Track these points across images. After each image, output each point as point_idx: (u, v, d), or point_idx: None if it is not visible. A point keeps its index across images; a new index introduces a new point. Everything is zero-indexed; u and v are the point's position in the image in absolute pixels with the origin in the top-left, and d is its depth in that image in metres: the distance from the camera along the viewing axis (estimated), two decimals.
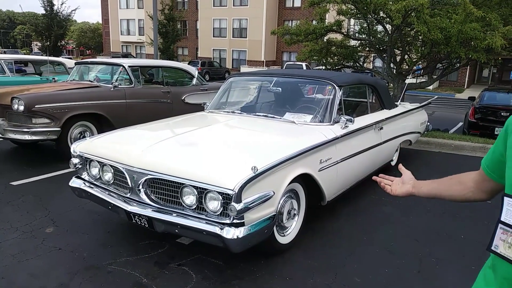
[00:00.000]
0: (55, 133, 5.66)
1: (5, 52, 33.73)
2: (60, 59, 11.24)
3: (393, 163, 5.92)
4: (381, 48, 10.01)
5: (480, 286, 1.19)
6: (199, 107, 5.08)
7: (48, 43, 30.90)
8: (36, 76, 9.92)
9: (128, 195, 3.16)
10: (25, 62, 12.04)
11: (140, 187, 3.05)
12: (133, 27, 46.45)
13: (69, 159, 3.62)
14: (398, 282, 3.01)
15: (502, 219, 1.07)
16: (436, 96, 23.06)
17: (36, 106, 5.47)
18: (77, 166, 3.55)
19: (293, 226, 3.43)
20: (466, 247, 3.56)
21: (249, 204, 2.66)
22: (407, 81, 9.45)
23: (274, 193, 2.89)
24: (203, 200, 2.80)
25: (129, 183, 3.11)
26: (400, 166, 1.76)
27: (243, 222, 2.70)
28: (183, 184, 2.85)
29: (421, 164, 6.52)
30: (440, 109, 16.97)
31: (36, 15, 42.57)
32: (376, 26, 10.16)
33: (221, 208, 2.74)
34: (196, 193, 2.82)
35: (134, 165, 3.07)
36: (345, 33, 10.26)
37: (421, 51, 9.15)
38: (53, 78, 8.48)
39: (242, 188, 2.60)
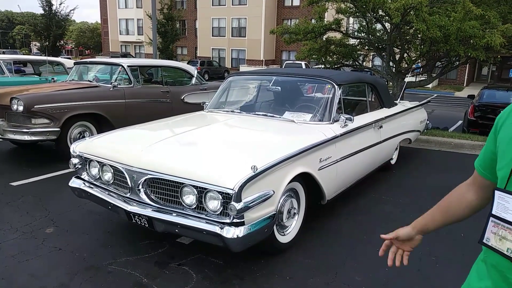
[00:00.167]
0: (55, 133, 5.65)
1: (4, 53, 33.68)
2: (59, 59, 11.23)
3: (392, 162, 5.93)
4: (380, 47, 10.00)
5: (473, 279, 1.20)
6: (198, 107, 5.07)
7: (47, 43, 30.87)
8: (35, 76, 9.91)
9: (128, 195, 3.16)
10: (24, 63, 12.04)
11: (140, 187, 3.05)
12: (132, 27, 46.41)
13: (68, 159, 3.62)
14: (398, 280, 3.01)
15: (493, 212, 1.09)
16: (435, 95, 23.07)
17: (35, 107, 5.46)
18: (76, 166, 3.55)
19: (293, 225, 3.43)
20: (465, 246, 3.56)
21: (249, 204, 2.66)
22: (406, 79, 9.44)
23: (274, 192, 2.89)
24: (203, 200, 2.80)
25: (129, 183, 3.11)
26: (382, 236, 1.52)
27: (243, 221, 2.70)
28: (183, 183, 2.85)
29: (420, 162, 6.53)
30: (439, 108, 16.97)
31: (34, 15, 42.55)
32: (375, 25, 10.16)
33: (221, 208, 2.74)
34: (196, 193, 2.82)
35: (133, 165, 3.07)
36: (344, 31, 10.26)
37: (420, 50, 9.15)
38: (52, 78, 8.48)
39: (242, 187, 2.60)
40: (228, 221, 2.71)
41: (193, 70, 8.15)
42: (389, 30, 9.34)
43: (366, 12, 9.05)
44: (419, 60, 9.99)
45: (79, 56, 56.82)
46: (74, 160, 3.55)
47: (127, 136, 3.83)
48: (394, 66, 9.79)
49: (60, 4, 32.63)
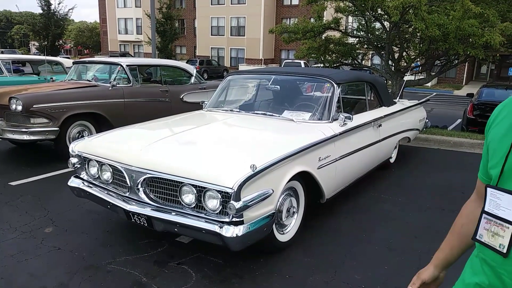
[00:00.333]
0: (54, 133, 5.65)
1: (2, 52, 33.63)
2: (58, 58, 11.21)
3: (392, 160, 5.93)
4: (379, 46, 10.00)
5: (467, 275, 1.22)
6: (197, 106, 5.07)
7: (46, 42, 30.81)
8: (34, 76, 9.90)
9: (127, 194, 3.16)
10: (23, 62, 12.01)
11: (139, 186, 3.05)
12: (130, 26, 46.36)
13: (67, 158, 3.61)
14: (398, 279, 3.01)
15: (486, 209, 1.10)
16: (434, 93, 23.07)
17: (34, 106, 5.45)
18: (75, 165, 3.54)
19: (292, 224, 3.43)
20: None
21: (248, 202, 2.66)
22: (406, 78, 9.45)
23: (273, 191, 2.89)
24: (202, 199, 2.80)
25: (128, 182, 3.10)
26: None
27: (242, 220, 2.70)
28: (182, 182, 2.85)
29: (420, 161, 6.53)
30: (438, 106, 16.98)
31: (33, 15, 42.45)
32: (374, 23, 10.16)
33: (220, 207, 2.74)
34: (195, 192, 2.82)
35: (132, 164, 3.07)
36: (343, 30, 10.25)
37: (419, 48, 9.15)
38: (51, 78, 8.47)
39: (241, 186, 2.60)
40: (227, 220, 2.71)
41: (192, 69, 8.15)
42: (388, 29, 9.34)
43: (365, 10, 9.05)
44: (418, 59, 9.99)
45: (78, 56, 56.75)
46: (73, 160, 3.54)
47: (126, 135, 3.82)
48: (393, 64, 9.79)
49: (58, 4, 32.56)
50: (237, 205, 2.58)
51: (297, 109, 4.25)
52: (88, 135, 5.39)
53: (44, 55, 11.10)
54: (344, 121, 3.96)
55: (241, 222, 2.69)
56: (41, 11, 31.04)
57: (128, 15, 46.00)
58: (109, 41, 49.40)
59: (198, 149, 3.30)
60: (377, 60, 22.38)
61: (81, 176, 3.60)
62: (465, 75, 30.70)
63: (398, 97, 7.07)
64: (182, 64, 8.51)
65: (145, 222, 3.02)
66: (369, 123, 4.60)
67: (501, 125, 1.12)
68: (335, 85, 4.19)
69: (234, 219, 2.68)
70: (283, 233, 3.34)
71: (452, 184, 5.24)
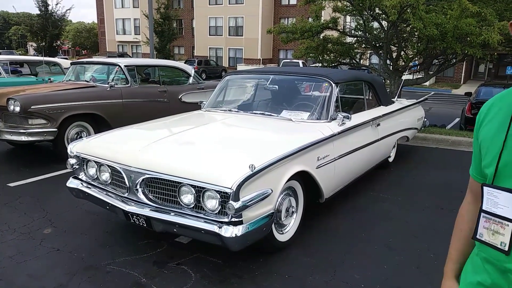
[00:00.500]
0: (52, 133, 5.64)
1: (0, 53, 33.55)
2: (55, 59, 11.20)
3: (390, 160, 5.94)
4: (377, 45, 10.01)
5: (468, 274, 1.21)
6: (196, 106, 5.06)
7: (44, 43, 30.73)
8: (32, 76, 9.88)
9: (126, 195, 3.15)
10: (20, 63, 11.99)
11: (138, 186, 3.05)
12: (128, 27, 46.30)
13: (66, 159, 3.61)
14: (397, 278, 3.01)
15: (484, 208, 1.10)
16: (432, 92, 23.11)
17: (32, 107, 5.44)
18: (74, 166, 3.54)
19: (292, 224, 3.43)
20: None
21: (247, 202, 2.65)
22: (404, 77, 9.46)
23: (272, 191, 2.89)
24: (201, 199, 2.80)
25: (127, 182, 3.10)
26: None
27: (242, 220, 2.70)
28: (181, 183, 2.85)
29: (418, 160, 6.54)
30: (437, 105, 17.01)
31: (31, 16, 42.35)
32: (372, 23, 10.17)
33: (219, 207, 2.73)
34: (194, 192, 2.82)
35: (131, 164, 3.06)
36: (341, 30, 10.27)
37: (417, 47, 9.16)
38: (49, 79, 8.44)
39: (240, 186, 2.60)
40: (226, 220, 2.70)
41: (190, 69, 8.14)
42: (386, 28, 9.35)
43: (363, 10, 9.06)
44: (416, 58, 10.00)
45: (76, 56, 56.64)
46: (72, 161, 3.54)
47: (125, 136, 3.82)
48: (391, 64, 9.80)
49: (56, 4, 32.46)
50: (236, 205, 2.58)
51: (295, 108, 4.25)
52: (86, 136, 5.38)
53: (42, 56, 11.07)
54: (343, 120, 3.96)
55: (240, 222, 2.69)
56: (39, 12, 30.96)
57: (126, 15, 45.94)
58: (107, 41, 49.34)
59: (196, 149, 3.30)
60: (375, 59, 22.41)
61: (80, 177, 3.59)
62: (463, 74, 30.75)
63: (396, 96, 7.08)
64: (180, 64, 8.50)
65: (144, 222, 3.01)
66: (367, 122, 4.60)
67: (492, 123, 1.12)
68: (333, 85, 4.19)
69: (233, 219, 2.68)
70: (282, 233, 3.34)
71: (451, 183, 5.25)
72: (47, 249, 3.35)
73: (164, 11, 27.95)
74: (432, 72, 10.81)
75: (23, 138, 5.53)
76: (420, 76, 10.98)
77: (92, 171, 3.49)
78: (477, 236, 1.13)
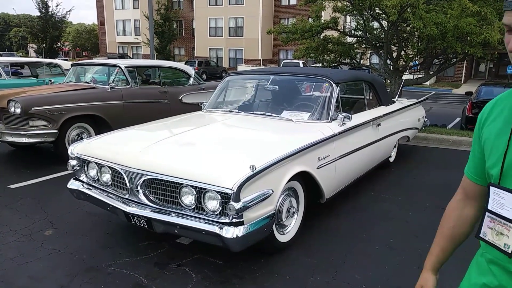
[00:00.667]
0: (53, 135, 5.64)
1: (1, 55, 33.60)
2: (56, 61, 11.20)
3: (391, 160, 5.93)
4: (378, 45, 10.01)
5: (473, 275, 1.21)
6: (196, 107, 5.06)
7: (44, 45, 30.77)
8: (33, 78, 9.89)
9: (126, 196, 3.15)
10: (21, 65, 12.00)
11: (139, 187, 3.05)
12: (129, 28, 46.31)
13: (67, 161, 3.61)
14: (398, 278, 3.01)
15: (489, 208, 1.10)
16: (433, 92, 23.10)
17: (33, 109, 5.45)
18: (75, 168, 3.54)
19: (293, 224, 3.43)
20: (465, 242, 3.56)
21: (248, 203, 2.65)
22: (404, 77, 9.46)
23: (272, 191, 2.89)
24: (202, 200, 2.80)
25: (128, 184, 3.10)
26: None
27: (242, 221, 2.69)
28: (181, 184, 2.85)
29: (419, 160, 6.53)
30: (437, 105, 17.00)
31: (31, 17, 42.35)
32: (372, 23, 10.17)
33: (220, 208, 2.73)
34: (195, 193, 2.82)
35: (132, 165, 3.06)
36: (341, 30, 10.26)
37: (417, 47, 9.16)
38: (50, 80, 8.45)
39: (240, 187, 2.60)
40: (227, 221, 2.70)
41: (191, 70, 8.14)
42: (386, 28, 9.34)
43: (363, 10, 9.06)
44: (416, 58, 10.00)
45: (77, 58, 56.68)
46: (72, 162, 3.54)
47: (125, 137, 3.82)
48: (392, 64, 9.80)
49: (56, 6, 32.47)
50: (237, 206, 2.58)
51: (296, 109, 4.25)
52: (87, 137, 5.37)
53: (42, 57, 11.08)
54: (343, 120, 3.96)
55: (241, 223, 2.69)
56: (39, 14, 31.00)
57: (126, 16, 45.96)
58: (107, 42, 49.36)
59: (197, 150, 3.30)
60: (375, 59, 22.40)
61: (81, 178, 3.59)
62: (463, 74, 30.73)
63: (396, 96, 7.08)
64: (180, 65, 8.50)
65: (145, 223, 3.01)
66: (368, 122, 4.60)
67: (496, 123, 1.11)
68: (333, 85, 4.19)
69: (234, 220, 2.68)
70: (283, 234, 3.33)
71: (452, 182, 5.22)
72: (48, 250, 3.35)
73: (164, 12, 28.00)
74: (432, 72, 10.80)
75: (24, 140, 5.54)
76: (421, 75, 10.98)
77: (93, 172, 3.49)
78: (481, 235, 1.12)
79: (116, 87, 6.45)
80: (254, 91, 5.14)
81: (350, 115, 4.01)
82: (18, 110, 5.40)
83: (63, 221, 3.94)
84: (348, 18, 11.60)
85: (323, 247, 3.47)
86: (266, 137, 3.74)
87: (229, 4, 38.83)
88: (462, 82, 30.29)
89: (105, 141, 3.70)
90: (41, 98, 5.73)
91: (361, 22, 9.97)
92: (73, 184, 3.59)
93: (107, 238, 3.61)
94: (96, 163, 3.41)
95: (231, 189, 2.60)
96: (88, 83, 6.88)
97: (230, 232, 2.64)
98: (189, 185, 2.81)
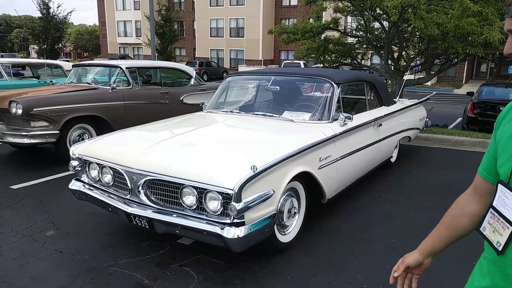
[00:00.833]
0: (54, 136, 5.65)
1: (2, 56, 33.67)
2: (57, 61, 11.23)
3: (392, 160, 5.93)
4: (379, 45, 10.00)
5: (476, 277, 1.21)
6: (197, 107, 5.07)
7: (45, 46, 30.84)
8: (34, 79, 9.90)
9: (128, 197, 3.16)
10: (22, 66, 12.02)
11: (140, 188, 3.05)
12: (130, 29, 46.38)
13: (68, 161, 3.62)
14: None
15: (494, 204, 1.11)
16: (434, 92, 23.08)
17: (34, 110, 5.46)
18: (76, 168, 3.55)
19: (294, 225, 3.43)
20: (467, 242, 3.54)
21: (249, 204, 2.65)
22: (405, 77, 9.45)
23: (274, 192, 2.89)
24: (203, 200, 2.80)
25: (129, 184, 3.10)
26: (395, 275, 1.47)
27: (244, 221, 2.69)
28: (182, 184, 2.85)
29: (420, 160, 6.53)
30: (438, 105, 16.98)
31: (32, 19, 42.45)
32: (373, 23, 10.16)
33: (221, 208, 2.73)
34: (196, 194, 2.82)
35: (133, 166, 3.07)
36: (342, 30, 10.26)
37: (418, 47, 9.15)
38: (51, 81, 8.47)
39: (242, 187, 2.60)
40: (228, 221, 2.70)
41: (192, 71, 8.15)
42: (387, 28, 9.34)
43: (364, 10, 9.05)
44: (417, 58, 9.99)
45: (78, 59, 56.77)
46: (74, 163, 3.54)
47: (127, 137, 3.82)
48: (393, 64, 9.79)
49: (57, 7, 32.56)
50: (238, 206, 2.58)
51: (297, 109, 4.25)
52: (88, 138, 5.38)
53: (44, 58, 11.10)
54: (344, 121, 3.96)
55: (242, 223, 2.69)
56: (40, 15, 31.08)
57: (127, 17, 46.03)
58: (108, 43, 49.44)
59: (198, 151, 3.30)
60: (376, 59, 22.39)
61: (82, 179, 3.60)
62: (465, 74, 30.70)
63: (398, 97, 7.07)
64: (181, 66, 8.51)
65: (146, 224, 3.02)
66: (369, 122, 4.60)
67: (510, 123, 1.11)
68: (334, 85, 4.19)
69: (235, 220, 2.68)
70: (285, 234, 3.33)
71: (453, 183, 5.24)
72: (49, 251, 3.36)
73: (165, 13, 28.03)
74: (433, 72, 10.79)
75: (26, 141, 5.55)
76: (422, 76, 10.96)
77: (94, 173, 3.49)
78: (480, 229, 1.15)
79: (117, 88, 6.46)
80: (255, 91, 5.14)
81: (351, 116, 4.01)
82: (20, 111, 5.41)
83: (65, 222, 3.94)
84: (349, 18, 11.58)
85: (325, 248, 3.46)
86: (267, 138, 3.74)
87: (230, 5, 38.88)
88: (464, 82, 30.26)
89: (107, 141, 3.71)
90: (43, 99, 5.74)
91: (362, 22, 9.96)
92: (74, 185, 3.59)
93: (108, 239, 3.61)
94: (97, 163, 3.42)
95: (232, 190, 2.60)
96: (89, 84, 6.89)
97: (231, 233, 2.64)
98: (190, 185, 2.81)
